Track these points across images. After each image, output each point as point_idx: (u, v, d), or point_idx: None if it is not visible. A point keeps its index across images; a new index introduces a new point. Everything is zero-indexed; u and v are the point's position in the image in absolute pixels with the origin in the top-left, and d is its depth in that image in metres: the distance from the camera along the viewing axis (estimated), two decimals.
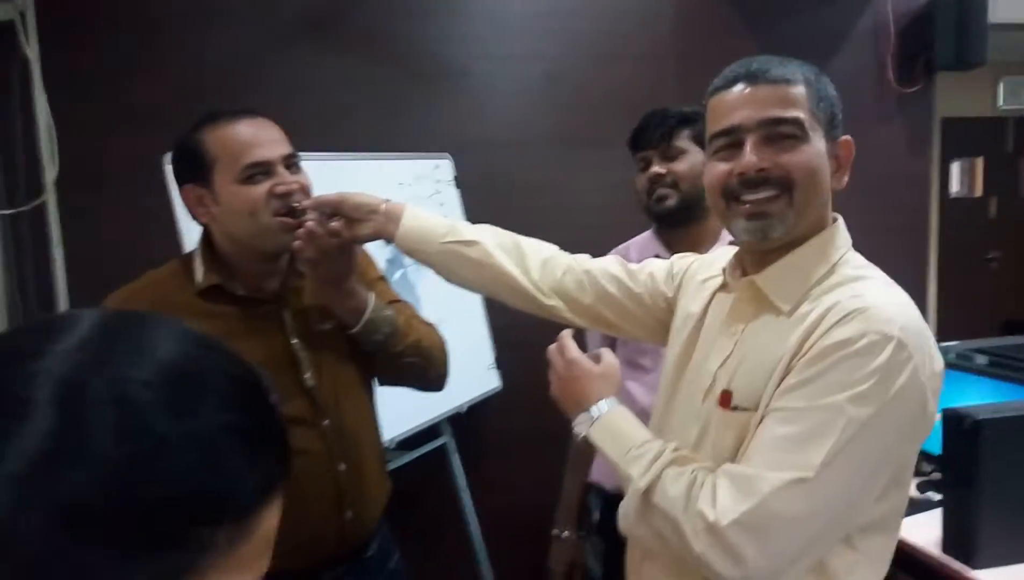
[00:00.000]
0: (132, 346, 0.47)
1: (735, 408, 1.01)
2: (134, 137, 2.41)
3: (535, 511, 2.78)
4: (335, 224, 1.22)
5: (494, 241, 1.27)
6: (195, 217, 1.30)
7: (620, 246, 1.88)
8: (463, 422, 2.71)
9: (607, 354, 1.14)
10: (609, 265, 1.29)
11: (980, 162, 6.05)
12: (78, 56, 2.51)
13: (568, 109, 2.97)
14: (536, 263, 1.27)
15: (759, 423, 0.98)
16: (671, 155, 1.71)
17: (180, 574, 0.44)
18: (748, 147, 1.00)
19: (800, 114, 0.99)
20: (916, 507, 1.87)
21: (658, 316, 1.26)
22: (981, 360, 2.19)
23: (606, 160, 2.90)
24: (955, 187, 6.07)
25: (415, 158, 2.63)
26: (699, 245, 1.67)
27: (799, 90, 1.00)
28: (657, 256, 1.70)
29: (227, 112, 1.28)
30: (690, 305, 1.18)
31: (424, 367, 1.43)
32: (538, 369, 2.48)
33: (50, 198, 2.46)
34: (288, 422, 1.24)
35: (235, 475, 0.47)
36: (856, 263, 1.05)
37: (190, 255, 1.34)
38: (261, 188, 1.24)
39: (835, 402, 0.90)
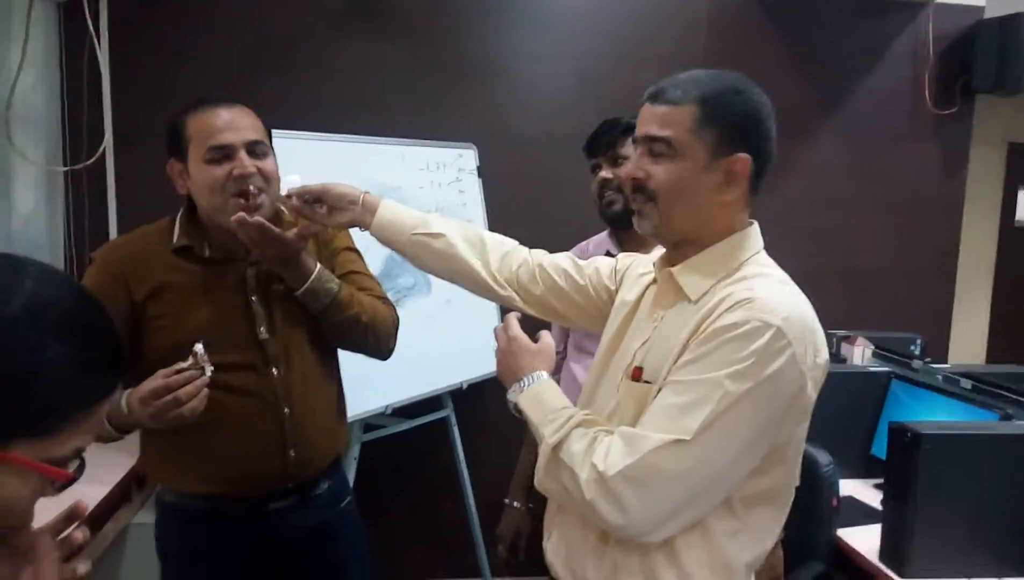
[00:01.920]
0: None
1: (643, 381, 1.13)
2: (160, 108, 2.62)
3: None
4: (317, 210, 1.38)
5: (459, 234, 1.41)
6: (176, 187, 1.49)
7: (581, 243, 2.00)
8: (466, 398, 2.86)
9: (545, 334, 1.26)
10: (560, 260, 1.43)
11: None
12: (140, 31, 2.74)
13: (595, 108, 3.01)
14: (496, 257, 1.41)
15: (656, 394, 1.09)
16: (617, 161, 1.81)
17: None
18: (634, 156, 1.16)
19: (672, 133, 1.09)
20: (872, 516, 1.94)
21: (600, 306, 1.38)
22: (965, 384, 2.21)
23: None
24: (1021, 215, 5.85)
25: (439, 146, 2.78)
26: (647, 243, 1.76)
27: (684, 111, 1.09)
28: (608, 253, 1.82)
29: (211, 99, 1.46)
30: (626, 295, 1.30)
31: (362, 338, 1.56)
32: None
33: (108, 158, 2.72)
34: (239, 368, 1.49)
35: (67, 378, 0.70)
36: (762, 263, 1.14)
37: (170, 220, 1.52)
38: (221, 169, 1.40)
39: (716, 377, 1.00)
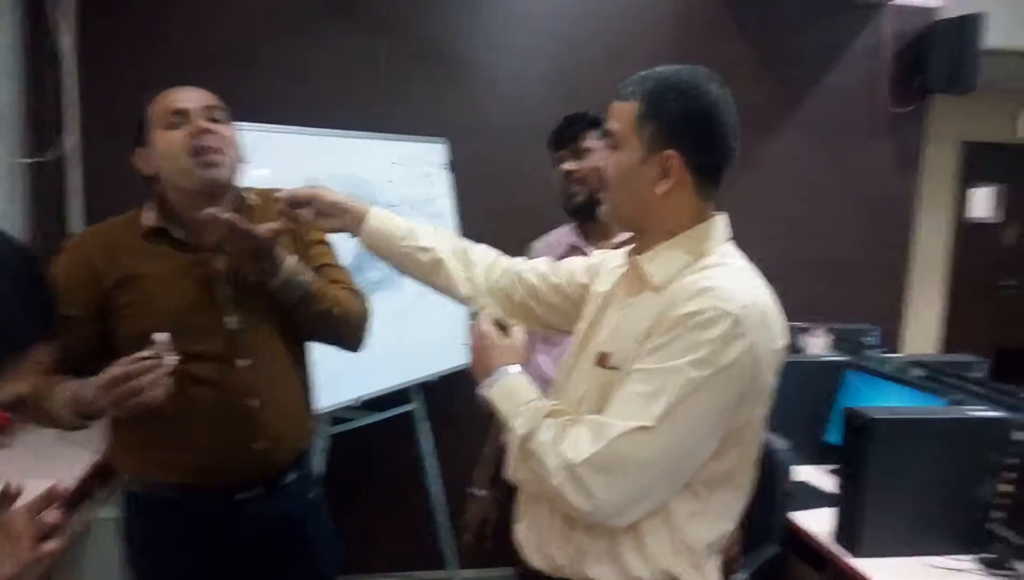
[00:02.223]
0: None
1: (609, 367, 1.17)
2: (132, 101, 2.62)
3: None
4: (304, 213, 1.39)
5: (447, 247, 1.43)
6: (143, 175, 1.50)
7: (545, 236, 2.05)
8: (434, 391, 2.89)
9: (516, 330, 1.30)
10: (537, 263, 1.47)
11: (999, 189, 6.01)
12: (106, 21, 2.72)
13: (563, 104, 3.04)
14: (481, 269, 1.44)
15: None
16: (580, 154, 1.86)
17: None
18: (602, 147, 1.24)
19: (616, 127, 1.17)
20: (826, 500, 2.01)
21: (575, 302, 1.41)
22: (917, 373, 2.30)
23: None
24: (975, 212, 6.05)
25: (409, 140, 2.80)
26: (610, 235, 1.81)
27: (630, 106, 1.15)
28: (573, 244, 1.87)
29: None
30: (600, 286, 1.35)
31: (334, 331, 1.60)
32: None
33: (71, 151, 2.69)
34: (206, 358, 1.47)
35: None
36: (725, 253, 1.18)
37: (138, 210, 1.54)
38: (180, 132, 1.44)
39: (677, 365, 1.05)
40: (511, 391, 1.20)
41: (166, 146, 1.45)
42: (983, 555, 1.74)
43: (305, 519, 1.65)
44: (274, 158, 2.31)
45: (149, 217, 1.50)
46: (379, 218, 1.41)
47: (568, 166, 1.88)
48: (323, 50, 2.91)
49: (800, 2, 3.25)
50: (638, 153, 1.15)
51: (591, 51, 3.11)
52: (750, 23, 3.22)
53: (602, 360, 1.19)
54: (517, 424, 1.15)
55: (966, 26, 3.21)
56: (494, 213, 3.03)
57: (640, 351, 1.12)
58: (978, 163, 5.85)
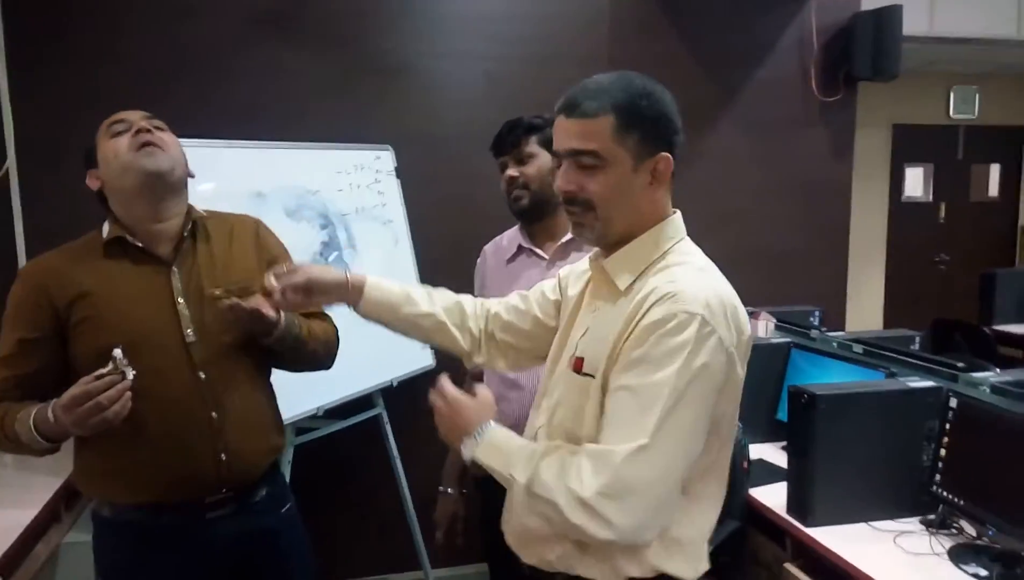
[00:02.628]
0: None
1: (584, 373, 1.20)
2: (94, 119, 2.59)
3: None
4: (300, 299, 1.39)
5: (441, 306, 1.46)
6: (96, 194, 1.55)
7: (495, 238, 2.08)
8: (397, 395, 2.91)
9: (481, 388, 1.28)
10: (510, 299, 1.50)
11: (932, 168, 6.27)
12: (43, 40, 2.68)
13: (504, 107, 3.09)
14: (474, 323, 1.47)
15: (599, 391, 1.16)
16: (522, 159, 1.89)
17: None
18: (561, 170, 1.20)
19: (597, 146, 1.14)
20: (780, 475, 2.09)
21: (549, 324, 1.43)
22: (857, 349, 2.41)
23: None
24: (908, 192, 6.29)
25: (357, 148, 2.82)
26: (556, 236, 1.90)
27: (602, 122, 1.13)
28: (520, 245, 1.92)
29: None
30: (570, 292, 1.38)
31: (314, 363, 1.69)
32: None
33: (12, 173, 2.65)
34: (166, 372, 1.48)
35: None
36: (684, 250, 1.22)
37: (97, 230, 1.57)
38: (123, 137, 1.48)
39: (659, 378, 1.08)
40: (497, 445, 1.19)
41: (110, 151, 1.48)
42: (926, 516, 1.85)
43: (279, 534, 1.65)
44: (220, 173, 2.31)
45: (106, 230, 1.53)
46: (376, 289, 1.42)
47: (511, 172, 1.90)
48: (266, 63, 2.91)
49: (729, 0, 3.35)
50: (627, 164, 1.16)
51: (527, 53, 3.17)
52: (681, 22, 3.33)
53: (577, 364, 1.22)
54: (516, 474, 1.14)
55: (885, 17, 3.36)
56: (444, 216, 3.08)
57: (614, 361, 1.15)
58: (910, 145, 6.11)
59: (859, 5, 3.52)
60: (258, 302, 1.44)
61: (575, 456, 1.12)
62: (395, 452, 2.91)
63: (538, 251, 1.93)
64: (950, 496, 1.78)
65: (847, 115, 3.58)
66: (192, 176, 1.58)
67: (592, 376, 1.19)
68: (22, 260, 2.69)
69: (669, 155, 1.17)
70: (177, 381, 1.48)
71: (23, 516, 1.93)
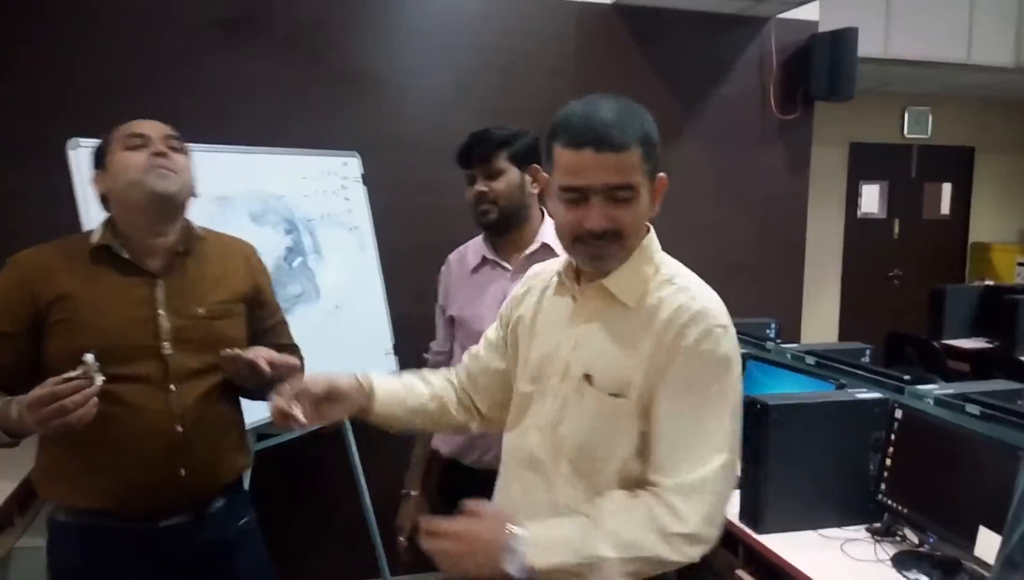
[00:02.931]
0: None
1: (612, 394, 1.20)
2: (61, 125, 2.56)
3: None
4: (322, 408, 1.31)
5: (439, 386, 1.46)
6: (99, 197, 1.56)
7: (460, 248, 2.09)
8: None
9: (477, 504, 1.15)
10: (473, 349, 1.51)
11: (887, 185, 6.46)
12: (9, 46, 2.65)
13: (474, 117, 3.14)
14: (462, 394, 1.48)
15: (636, 413, 1.18)
16: (491, 174, 1.87)
17: None
18: (595, 208, 1.16)
19: (634, 179, 1.16)
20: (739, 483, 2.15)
21: (504, 367, 1.43)
22: (810, 361, 2.48)
23: None
24: (865, 208, 6.47)
25: (323, 155, 2.83)
26: (521, 247, 1.92)
27: (635, 155, 1.15)
28: (485, 256, 1.95)
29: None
30: (520, 312, 1.39)
31: None
32: None
33: None
34: (137, 380, 1.49)
35: None
36: (668, 262, 1.28)
37: (89, 230, 1.58)
38: (140, 153, 1.50)
39: (712, 391, 1.16)
40: (549, 541, 1.10)
41: (122, 163, 1.50)
42: (872, 524, 1.91)
43: (234, 546, 1.64)
44: None
45: (96, 235, 1.53)
46: (385, 389, 1.39)
47: (481, 187, 1.88)
48: (233, 69, 2.91)
49: (691, 18, 3.44)
50: (647, 191, 1.20)
51: (495, 64, 3.22)
52: (645, 39, 3.40)
53: (588, 381, 1.23)
54: (601, 552, 1.08)
55: (841, 38, 3.47)
56: (410, 223, 3.10)
57: (650, 382, 1.17)
58: (866, 162, 6.28)
59: (817, 27, 3.63)
60: (256, 355, 1.48)
61: (651, 499, 1.12)
62: (356, 459, 2.91)
63: (503, 263, 1.94)
64: (894, 505, 1.85)
65: (804, 133, 3.69)
66: (196, 195, 1.61)
67: (619, 396, 1.19)
68: None
69: (664, 174, 1.23)
70: (147, 392, 1.48)
71: None
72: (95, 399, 1.30)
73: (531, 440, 1.30)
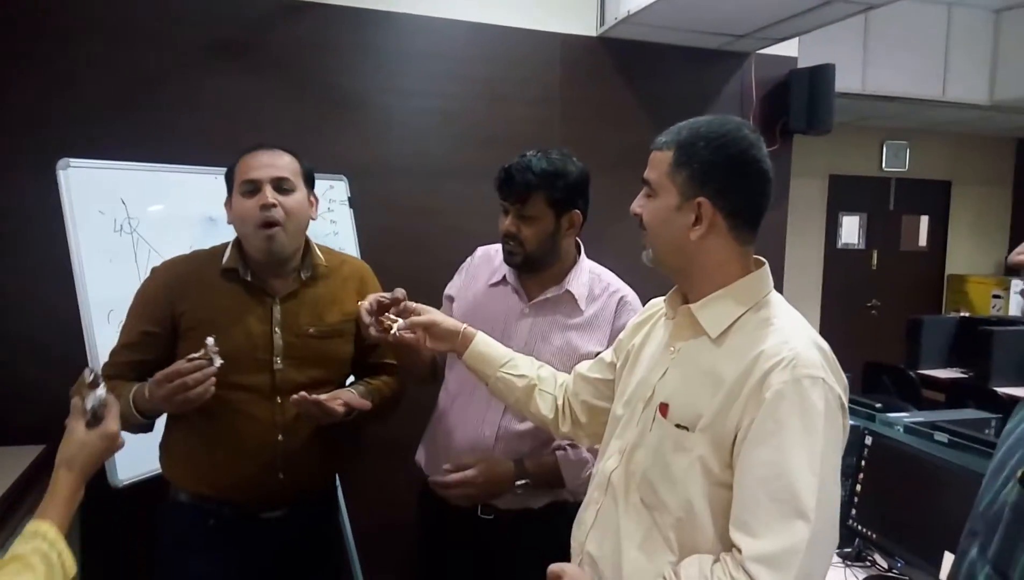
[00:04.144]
0: None
1: (678, 426, 1.18)
2: (37, 144, 2.59)
3: (402, 508, 2.99)
4: (418, 337, 1.58)
5: (536, 373, 1.58)
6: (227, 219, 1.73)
7: (492, 246, 1.94)
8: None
9: (560, 568, 1.26)
10: (580, 365, 1.58)
11: (865, 217, 6.58)
12: (4, 63, 2.66)
13: (460, 143, 3.26)
14: (560, 393, 1.56)
15: (700, 450, 1.14)
16: (525, 217, 1.73)
17: None
18: (640, 195, 1.27)
19: (652, 176, 1.22)
20: None
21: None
22: None
23: (491, 191, 3.16)
24: (844, 238, 6.58)
25: None
26: (545, 286, 1.81)
27: (664, 155, 1.21)
28: (505, 277, 1.86)
29: (261, 145, 1.71)
30: (634, 340, 1.42)
31: (381, 421, 1.88)
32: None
33: None
34: (250, 390, 1.65)
35: None
36: (776, 303, 1.21)
37: (224, 245, 1.75)
38: (250, 202, 1.63)
39: (801, 447, 1.06)
40: None
41: (239, 213, 1.65)
42: (843, 550, 1.95)
43: (320, 539, 1.83)
44: (173, 197, 2.34)
45: (226, 257, 1.70)
46: (484, 344, 1.59)
47: (510, 226, 1.75)
48: (222, 91, 2.94)
49: (674, 51, 3.52)
50: (673, 199, 1.20)
51: (481, 92, 3.27)
52: (629, 70, 3.47)
53: (663, 409, 1.22)
54: None
55: (819, 74, 3.57)
56: (396, 247, 3.12)
57: (722, 422, 1.12)
58: (845, 194, 6.40)
59: (796, 62, 3.73)
60: (332, 396, 1.64)
61: (733, 569, 1.07)
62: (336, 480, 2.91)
63: (521, 292, 1.84)
64: (864, 530, 1.89)
65: (783, 165, 3.77)
66: (314, 218, 1.72)
67: (686, 429, 1.17)
68: None
69: (707, 201, 1.16)
70: (256, 401, 1.65)
71: None
72: (212, 379, 1.47)
73: (610, 464, 1.31)
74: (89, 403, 1.20)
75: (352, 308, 1.70)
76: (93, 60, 2.78)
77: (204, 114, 2.91)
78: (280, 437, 1.66)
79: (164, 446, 1.77)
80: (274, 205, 1.61)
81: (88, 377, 1.22)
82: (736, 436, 1.12)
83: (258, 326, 1.65)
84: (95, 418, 1.20)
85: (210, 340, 1.46)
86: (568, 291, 1.79)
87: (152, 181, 2.30)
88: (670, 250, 1.23)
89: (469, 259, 2.01)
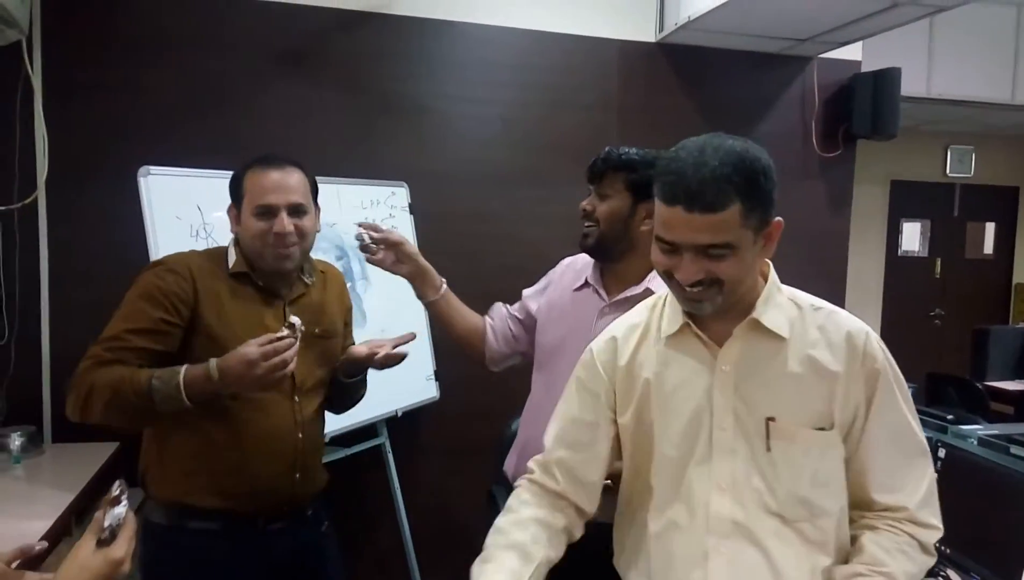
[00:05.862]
0: None
1: (817, 428, 1.20)
2: (118, 150, 2.71)
3: (461, 512, 3.04)
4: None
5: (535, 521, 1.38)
6: (231, 226, 1.72)
7: (573, 258, 1.96)
8: (400, 426, 2.97)
9: None
10: (565, 439, 1.38)
11: (928, 224, 6.40)
12: (75, 73, 2.79)
13: (517, 150, 3.29)
14: (578, 490, 1.36)
15: (841, 442, 1.22)
16: (601, 194, 1.76)
17: None
18: (686, 261, 1.14)
19: (729, 238, 1.11)
20: None
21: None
22: None
23: (547, 197, 3.23)
24: (905, 245, 6.42)
25: (373, 184, 2.92)
26: (626, 282, 1.76)
27: (731, 214, 1.09)
28: (588, 280, 1.82)
29: (268, 159, 1.67)
30: (641, 373, 1.30)
31: (351, 403, 1.96)
32: (472, 384, 2.72)
33: (40, 199, 2.74)
34: (270, 391, 1.62)
35: None
36: (793, 290, 1.29)
37: (222, 249, 1.72)
38: (265, 225, 1.61)
39: (904, 400, 1.25)
40: None
41: (251, 232, 1.63)
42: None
43: (321, 549, 1.82)
44: None
45: (233, 261, 1.68)
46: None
47: (585, 204, 1.78)
48: (288, 98, 3.02)
49: (734, 56, 3.50)
50: (751, 241, 1.14)
51: (540, 99, 3.30)
52: (688, 76, 3.46)
53: (773, 423, 1.21)
54: None
55: (884, 78, 3.50)
56: (456, 253, 3.13)
57: (849, 405, 1.21)
58: (907, 200, 6.24)
59: (859, 66, 3.66)
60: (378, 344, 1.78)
61: (910, 526, 1.24)
62: (396, 483, 2.96)
63: (601, 292, 1.80)
64: (937, 545, 1.83)
65: (846, 171, 3.70)
66: (318, 230, 1.74)
67: (823, 429, 1.21)
68: (44, 277, 2.77)
69: (781, 219, 1.17)
70: (278, 402, 1.66)
71: (34, 528, 1.97)
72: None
73: (719, 505, 1.22)
74: (107, 520, 1.12)
75: (341, 309, 1.85)
76: (163, 68, 2.88)
77: (269, 122, 2.99)
78: (300, 435, 1.69)
79: (156, 462, 1.66)
80: (291, 232, 1.62)
81: (115, 490, 1.14)
82: (856, 413, 1.22)
83: (277, 327, 1.61)
84: (111, 535, 1.12)
85: (296, 319, 1.50)
86: (648, 289, 1.72)
87: (224, 188, 2.36)
88: (746, 284, 1.21)
89: (558, 266, 2.00)
